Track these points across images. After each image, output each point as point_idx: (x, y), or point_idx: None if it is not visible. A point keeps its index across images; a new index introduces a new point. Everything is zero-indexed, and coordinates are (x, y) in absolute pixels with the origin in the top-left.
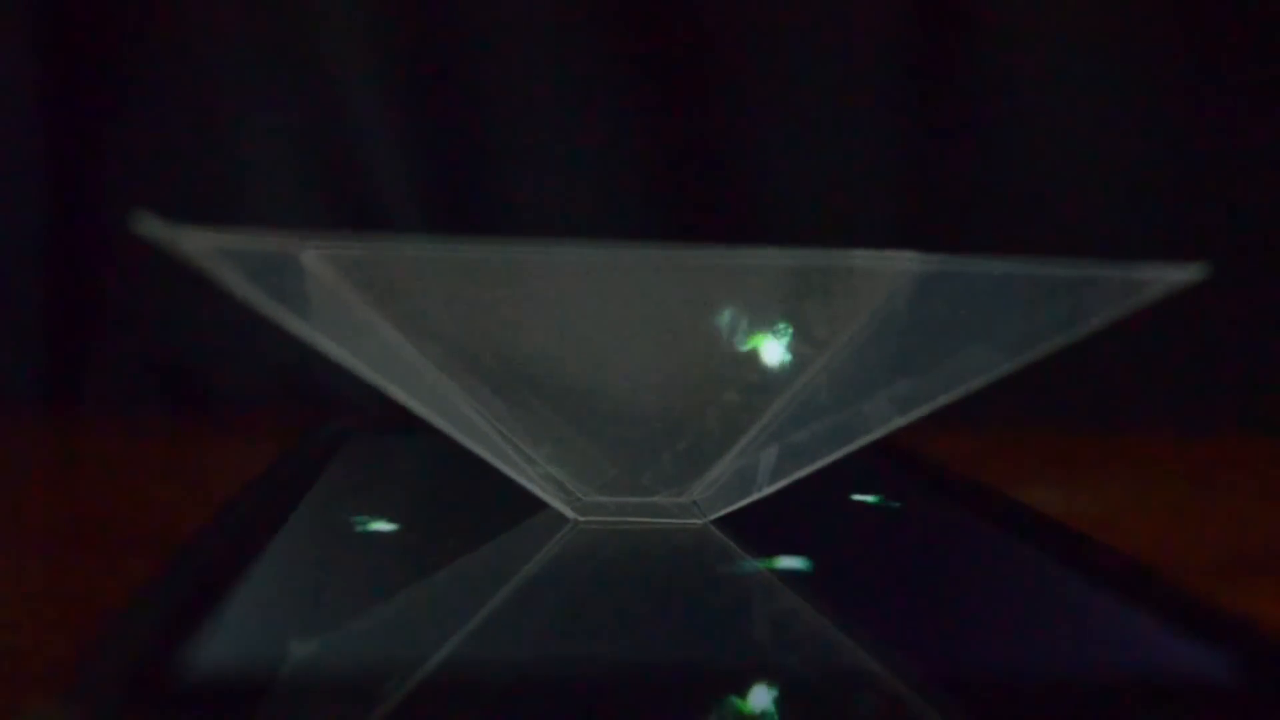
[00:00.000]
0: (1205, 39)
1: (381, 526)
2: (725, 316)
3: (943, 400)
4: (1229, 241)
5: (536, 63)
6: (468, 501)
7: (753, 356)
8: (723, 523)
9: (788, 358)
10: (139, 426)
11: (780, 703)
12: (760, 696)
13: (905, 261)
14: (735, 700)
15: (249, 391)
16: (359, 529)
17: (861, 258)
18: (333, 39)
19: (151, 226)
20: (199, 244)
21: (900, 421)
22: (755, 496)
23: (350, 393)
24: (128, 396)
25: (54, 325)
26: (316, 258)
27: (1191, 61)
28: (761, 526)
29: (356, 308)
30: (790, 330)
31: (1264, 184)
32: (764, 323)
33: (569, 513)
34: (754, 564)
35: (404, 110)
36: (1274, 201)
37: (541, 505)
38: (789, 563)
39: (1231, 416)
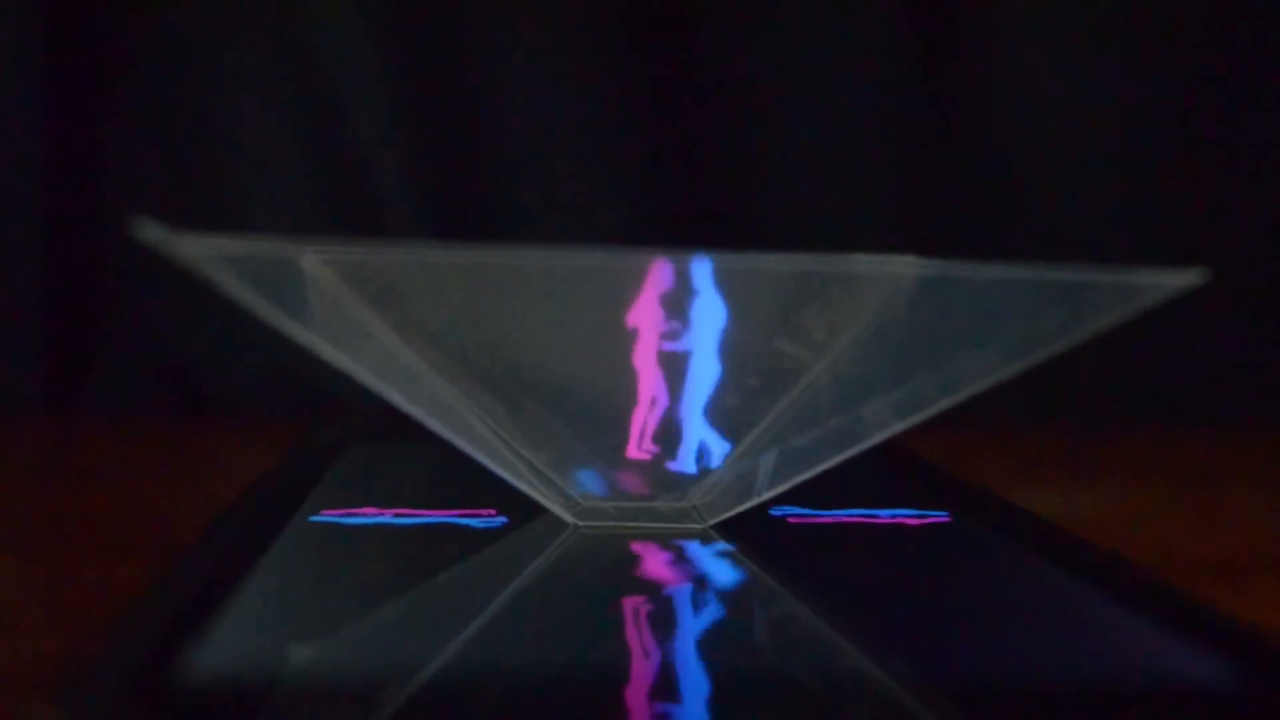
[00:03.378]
0: (1201, 43)
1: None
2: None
3: (942, 405)
4: (1224, 243)
5: (537, 68)
6: (467, 506)
7: (753, 361)
8: (722, 527)
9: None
10: (138, 431)
11: (780, 708)
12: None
13: (905, 266)
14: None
15: (249, 396)
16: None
17: (861, 262)
18: (334, 42)
19: (150, 231)
20: (197, 249)
21: (900, 426)
22: (755, 501)
23: (350, 397)
24: (127, 401)
25: (54, 329)
26: (315, 262)
27: (1187, 66)
28: (760, 531)
29: (356, 312)
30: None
31: (1261, 185)
32: (764, 328)
33: (569, 517)
34: (753, 568)
35: (405, 115)
36: (1269, 202)
37: (541, 510)
38: (787, 567)
39: (1227, 416)
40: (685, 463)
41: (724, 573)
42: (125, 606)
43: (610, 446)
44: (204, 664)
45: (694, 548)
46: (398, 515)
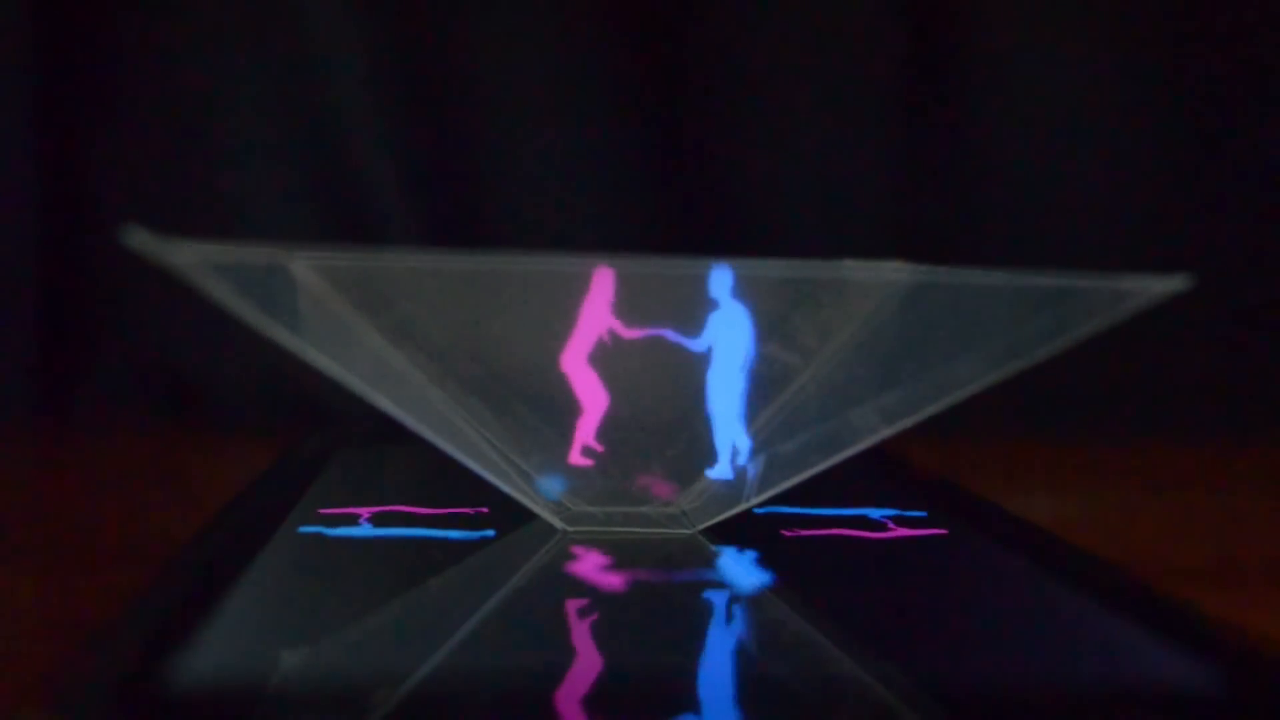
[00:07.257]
0: (1191, 51)
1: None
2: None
3: (930, 410)
4: (1211, 251)
5: (531, 74)
6: (457, 511)
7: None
8: (711, 532)
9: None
10: (131, 436)
11: (770, 712)
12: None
13: (894, 272)
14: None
15: (241, 402)
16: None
17: (851, 269)
18: (329, 48)
19: (140, 239)
20: (187, 255)
21: (888, 431)
22: (743, 506)
23: (341, 403)
24: (120, 407)
25: (47, 335)
26: (306, 269)
27: (1177, 73)
28: (749, 536)
29: (346, 318)
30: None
31: (1252, 192)
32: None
33: (558, 523)
34: (742, 573)
35: (397, 120)
36: (1259, 209)
37: (531, 515)
38: (776, 572)
39: (1213, 424)
40: (674, 467)
41: (713, 578)
42: (116, 612)
43: (599, 451)
44: (193, 669)
45: (682, 553)
46: (384, 527)
